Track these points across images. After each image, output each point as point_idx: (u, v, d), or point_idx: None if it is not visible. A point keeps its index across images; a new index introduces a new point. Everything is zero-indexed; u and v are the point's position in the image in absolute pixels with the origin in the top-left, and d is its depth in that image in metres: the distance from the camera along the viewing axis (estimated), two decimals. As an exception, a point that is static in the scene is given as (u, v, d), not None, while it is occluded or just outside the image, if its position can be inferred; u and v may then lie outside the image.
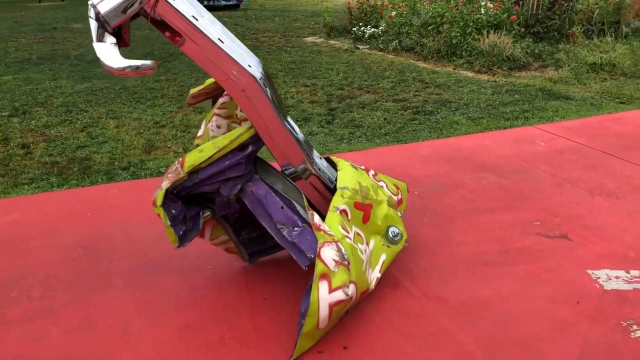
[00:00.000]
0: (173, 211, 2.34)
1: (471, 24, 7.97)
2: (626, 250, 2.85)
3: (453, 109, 5.55)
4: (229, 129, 2.63)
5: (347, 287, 2.14)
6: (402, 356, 2.17)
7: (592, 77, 6.37)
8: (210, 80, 2.66)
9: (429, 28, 8.59)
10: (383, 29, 9.51)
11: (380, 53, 8.83)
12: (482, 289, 2.56)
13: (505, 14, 8.11)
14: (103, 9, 2.08)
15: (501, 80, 6.66)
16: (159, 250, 2.90)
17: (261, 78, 2.33)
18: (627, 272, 2.67)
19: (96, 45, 2.10)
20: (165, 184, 2.29)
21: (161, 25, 2.19)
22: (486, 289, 2.56)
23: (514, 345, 2.21)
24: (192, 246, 2.52)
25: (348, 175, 2.64)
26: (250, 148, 2.41)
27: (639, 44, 6.86)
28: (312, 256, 2.17)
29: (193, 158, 2.33)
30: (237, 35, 2.74)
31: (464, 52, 7.83)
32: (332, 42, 9.98)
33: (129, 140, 4.68)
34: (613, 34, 7.27)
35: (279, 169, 2.48)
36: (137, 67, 2.10)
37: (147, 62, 2.12)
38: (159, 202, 2.29)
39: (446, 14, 8.42)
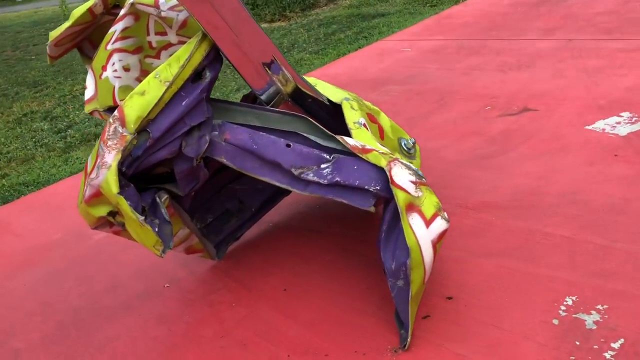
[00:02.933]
0: (129, 202, 1.41)
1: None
2: (594, 101, 2.63)
3: (286, 50, 4.99)
4: (143, 68, 1.72)
5: (442, 209, 1.48)
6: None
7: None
8: (77, 12, 1.71)
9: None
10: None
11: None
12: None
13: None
14: None
15: (303, 20, 6.27)
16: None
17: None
18: (619, 115, 2.44)
19: None
20: (112, 158, 1.36)
21: None
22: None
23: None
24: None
25: (332, 87, 1.94)
26: (208, 74, 1.57)
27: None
28: (378, 187, 1.45)
29: (137, 107, 1.43)
30: None
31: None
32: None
33: None
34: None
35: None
36: None
37: None
38: (115, 188, 1.35)
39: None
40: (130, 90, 1.72)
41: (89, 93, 1.78)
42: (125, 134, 1.40)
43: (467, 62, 3.55)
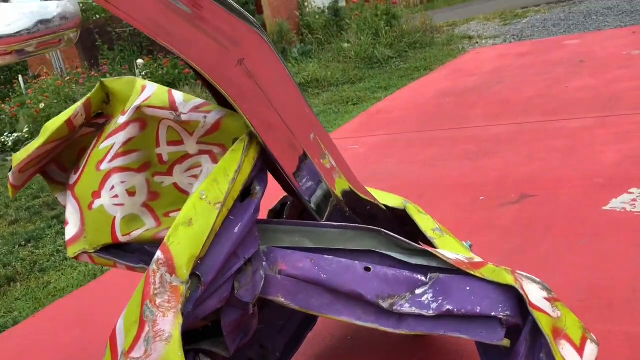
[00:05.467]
0: None
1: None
2: (592, 181, 2.53)
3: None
4: (152, 190, 1.31)
5: (588, 331, 1.17)
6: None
7: (307, 94, 6.24)
8: (51, 126, 1.31)
9: (92, 109, 7.33)
10: (28, 130, 7.77)
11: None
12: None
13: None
14: None
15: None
16: None
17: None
18: (629, 192, 2.33)
19: None
20: (171, 324, 0.94)
21: None
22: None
23: None
24: None
25: (372, 190, 1.61)
26: (258, 189, 1.20)
27: (319, 60, 7.08)
28: (508, 312, 1.12)
29: (186, 242, 1.03)
30: None
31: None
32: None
33: None
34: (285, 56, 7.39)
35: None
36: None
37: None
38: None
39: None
40: (137, 220, 1.29)
41: (71, 231, 1.31)
42: (177, 283, 0.97)
43: (425, 153, 3.40)
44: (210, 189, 1.09)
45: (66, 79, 8.14)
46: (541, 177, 2.68)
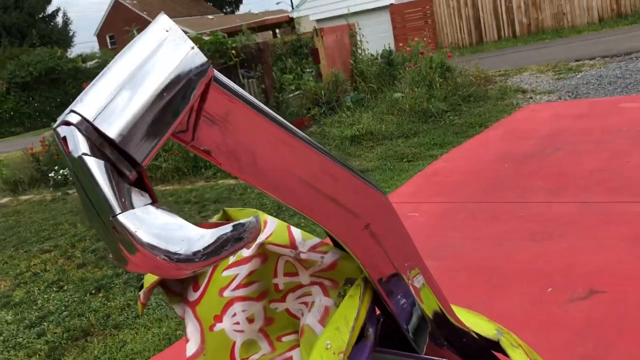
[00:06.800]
0: None
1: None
2: None
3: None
4: (268, 315, 1.43)
5: None
6: None
7: (361, 146, 6.38)
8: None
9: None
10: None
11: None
12: None
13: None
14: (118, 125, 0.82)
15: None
16: None
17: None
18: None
19: (124, 218, 0.79)
20: None
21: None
22: None
23: None
24: None
25: (465, 312, 1.70)
26: (370, 331, 1.30)
27: (373, 112, 7.24)
28: None
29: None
30: None
31: (207, 163, 7.14)
32: (25, 197, 8.11)
33: None
34: (337, 108, 7.57)
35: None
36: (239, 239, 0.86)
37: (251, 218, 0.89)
38: None
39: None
40: (254, 344, 1.42)
41: (192, 347, 1.44)
42: None
43: (491, 230, 3.47)
44: (333, 338, 1.20)
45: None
46: (608, 270, 2.71)
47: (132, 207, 0.79)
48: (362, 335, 1.30)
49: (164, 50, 0.88)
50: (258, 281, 1.41)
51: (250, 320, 1.40)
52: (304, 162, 1.10)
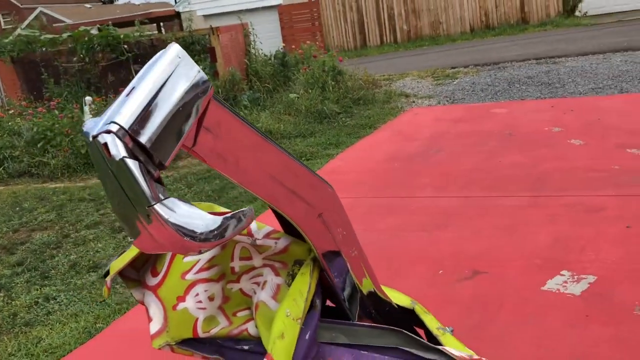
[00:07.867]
0: None
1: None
2: (531, 261, 3.05)
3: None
4: (225, 294, 1.65)
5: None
6: None
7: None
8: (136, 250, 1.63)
9: (38, 145, 7.35)
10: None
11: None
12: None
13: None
14: (147, 133, 1.03)
15: (175, 174, 6.24)
16: None
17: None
18: (561, 274, 2.86)
19: (159, 207, 1.00)
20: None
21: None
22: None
23: None
24: None
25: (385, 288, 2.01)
26: (317, 302, 1.57)
27: (270, 111, 7.48)
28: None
29: (284, 354, 1.39)
30: None
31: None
32: None
33: None
34: (235, 107, 7.72)
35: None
36: (239, 220, 1.10)
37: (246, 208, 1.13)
38: None
39: (55, 125, 7.38)
40: (214, 320, 1.63)
41: (155, 325, 1.63)
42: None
43: (387, 222, 3.86)
44: (292, 308, 1.45)
45: (10, 111, 8.08)
46: (488, 255, 3.18)
47: (160, 200, 1.01)
48: (311, 306, 1.56)
49: (178, 73, 1.09)
50: (218, 265, 1.63)
51: (210, 298, 1.62)
52: (274, 162, 1.35)
